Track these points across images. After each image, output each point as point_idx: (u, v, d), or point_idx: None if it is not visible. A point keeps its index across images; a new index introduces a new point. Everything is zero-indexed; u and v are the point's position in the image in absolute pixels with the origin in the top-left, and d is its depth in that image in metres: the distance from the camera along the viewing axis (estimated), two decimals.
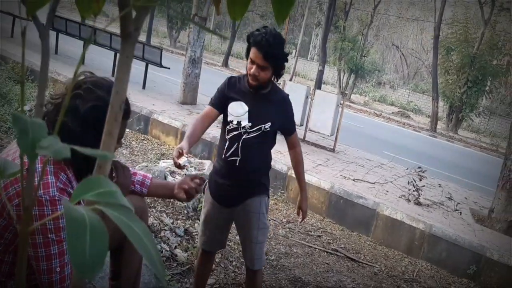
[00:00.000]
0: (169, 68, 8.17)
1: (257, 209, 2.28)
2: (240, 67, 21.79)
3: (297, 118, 7.03)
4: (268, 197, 2.38)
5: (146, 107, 6.48)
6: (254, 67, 2.12)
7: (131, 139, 5.81)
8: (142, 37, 19.33)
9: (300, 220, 2.57)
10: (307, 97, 7.04)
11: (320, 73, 16.83)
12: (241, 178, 2.25)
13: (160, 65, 7.98)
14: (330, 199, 4.90)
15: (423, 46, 32.86)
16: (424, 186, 5.17)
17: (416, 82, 30.04)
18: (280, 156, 5.59)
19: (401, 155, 9.06)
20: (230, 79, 2.33)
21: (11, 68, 6.91)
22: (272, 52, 2.08)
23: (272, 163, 5.19)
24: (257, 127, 2.20)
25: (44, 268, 1.38)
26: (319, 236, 4.32)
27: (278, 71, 2.20)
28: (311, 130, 6.99)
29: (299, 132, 7.05)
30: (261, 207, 2.29)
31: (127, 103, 1.58)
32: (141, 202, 1.93)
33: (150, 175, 1.95)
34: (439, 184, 6.21)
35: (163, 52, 8.22)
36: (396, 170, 6.54)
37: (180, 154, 2.00)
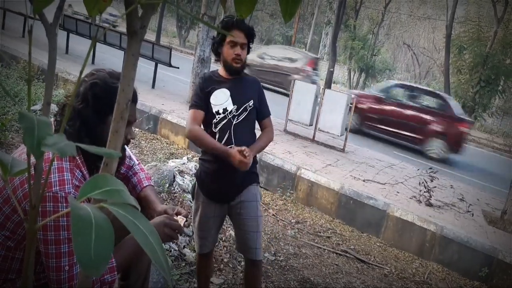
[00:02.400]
0: (178, 68, 8.19)
1: (253, 197, 2.33)
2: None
3: (306, 118, 7.02)
4: (259, 184, 2.45)
5: (155, 106, 6.49)
6: (237, 48, 2.24)
7: (141, 138, 5.82)
8: (152, 37, 19.41)
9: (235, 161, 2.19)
10: (316, 97, 7.00)
11: (330, 73, 16.76)
12: (236, 169, 2.22)
13: (170, 65, 7.99)
14: (340, 199, 4.86)
15: (435, 45, 32.52)
16: (435, 187, 5.10)
17: (428, 82, 29.73)
18: (289, 156, 5.57)
19: (412, 156, 8.97)
20: (204, 75, 2.41)
21: (22, 67, 6.96)
22: (251, 28, 2.27)
23: (281, 163, 5.25)
24: (243, 107, 2.29)
25: (53, 266, 1.38)
26: (329, 237, 4.28)
27: (249, 51, 2.34)
28: (320, 130, 6.95)
29: (309, 132, 7.08)
30: (257, 196, 2.36)
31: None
32: None
33: (151, 182, 1.93)
34: (451, 185, 6.13)
35: (172, 52, 8.24)
36: (407, 171, 6.47)
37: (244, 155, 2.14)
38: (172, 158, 4.92)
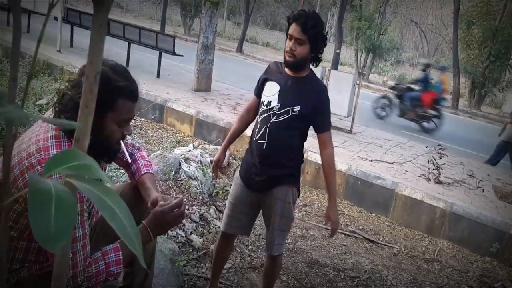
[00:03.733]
0: (182, 56, 8.16)
1: (282, 196, 2.24)
2: (255, 52, 21.62)
3: None
4: (298, 190, 2.31)
5: (160, 95, 6.50)
6: (291, 42, 2.14)
7: (147, 128, 5.84)
8: (156, 27, 19.33)
9: (330, 234, 2.40)
10: (322, 78, 6.92)
11: (337, 55, 16.57)
12: (267, 163, 2.22)
13: (174, 53, 7.97)
14: (348, 180, 4.84)
15: (443, 21, 31.89)
16: (444, 164, 5.05)
17: (437, 59, 29.22)
18: None
19: (420, 134, 8.88)
20: (271, 63, 2.36)
21: (28, 63, 7.00)
22: (310, 24, 2.09)
23: None
24: (286, 109, 2.16)
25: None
26: None
27: (316, 50, 2.17)
28: None
29: None
30: (288, 196, 2.25)
31: (134, 85, 1.56)
32: None
33: (152, 169, 1.93)
34: (460, 162, 6.06)
35: (177, 41, 8.21)
36: (416, 149, 6.41)
37: (217, 167, 2.30)
38: (178, 146, 4.94)
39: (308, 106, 2.16)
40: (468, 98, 17.29)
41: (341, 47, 17.63)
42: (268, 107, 2.20)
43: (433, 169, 4.94)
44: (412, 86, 9.85)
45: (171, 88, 7.29)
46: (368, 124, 7.94)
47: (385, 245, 3.89)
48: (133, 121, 5.81)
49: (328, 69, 7.26)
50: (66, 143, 1.46)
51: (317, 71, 7.05)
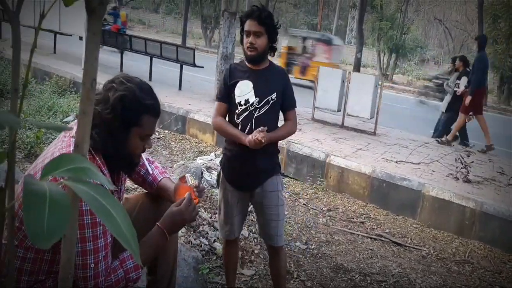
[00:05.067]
0: (202, 67, 8.27)
1: (275, 187, 2.37)
2: (275, 58, 21.65)
3: (334, 104, 6.91)
4: (281, 174, 2.48)
5: (182, 107, 6.60)
6: (250, 37, 2.25)
7: (170, 139, 5.94)
8: (178, 40, 19.70)
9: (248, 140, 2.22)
10: (343, 82, 6.87)
11: (358, 59, 16.41)
12: (256, 157, 2.29)
13: (194, 65, 8.09)
14: (372, 183, 4.76)
15: (468, 17, 31.10)
16: (472, 162, 4.91)
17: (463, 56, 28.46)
18: (317, 144, 5.52)
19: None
20: (231, 66, 2.43)
21: (55, 82, 7.26)
22: (264, 16, 2.24)
23: (309, 151, 5.21)
24: (265, 100, 2.29)
25: (79, 263, 1.44)
26: (362, 222, 4.21)
27: (272, 40, 2.31)
28: (349, 115, 6.83)
29: (337, 118, 6.97)
30: (278, 185, 2.39)
31: (157, 103, 1.63)
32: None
33: (167, 174, 1.99)
34: (490, 159, 5.87)
35: (198, 53, 8.36)
36: (443, 149, 6.25)
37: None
38: (200, 156, 4.99)
39: (279, 91, 2.33)
40: (497, 93, 16.76)
41: (362, 49, 17.45)
42: (247, 104, 2.29)
43: (461, 168, 4.80)
44: None
45: (192, 100, 7.40)
46: (393, 125, 7.80)
47: (413, 248, 3.80)
48: (156, 133, 5.90)
49: (349, 72, 7.20)
50: (87, 157, 1.50)
51: (337, 75, 6.99)
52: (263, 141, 2.17)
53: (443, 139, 6.67)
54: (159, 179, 1.93)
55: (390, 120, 8.33)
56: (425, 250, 3.77)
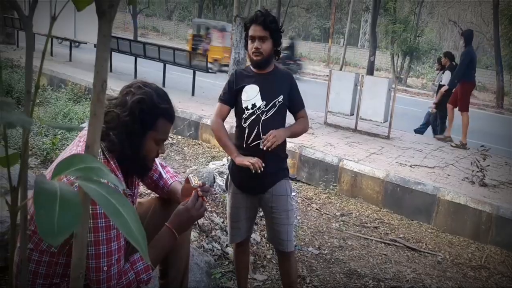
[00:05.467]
0: (215, 73, 8.33)
1: (284, 191, 2.37)
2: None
3: (346, 108, 6.88)
4: (290, 178, 2.50)
5: (195, 113, 6.64)
6: (255, 42, 2.27)
7: (183, 145, 5.98)
8: None
9: (263, 142, 2.24)
10: (356, 85, 6.83)
11: (371, 62, 16.31)
12: (266, 161, 2.28)
13: (207, 71, 8.16)
14: (386, 188, 4.72)
15: (483, 18, 30.67)
16: (488, 165, 4.82)
17: (479, 58, 28.07)
18: (330, 148, 5.49)
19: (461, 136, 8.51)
20: (236, 71, 2.45)
21: (71, 89, 7.39)
22: (269, 21, 2.26)
23: (322, 155, 5.18)
24: (272, 103, 2.31)
25: (92, 266, 1.46)
26: (376, 227, 4.17)
27: (277, 44, 2.33)
28: (362, 119, 6.78)
29: (350, 122, 6.93)
30: (287, 190, 2.39)
31: (173, 108, 1.67)
32: None
33: (177, 178, 2.00)
34: (506, 162, 5.76)
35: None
36: (458, 152, 6.16)
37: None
38: (213, 161, 5.01)
39: (286, 93, 2.34)
40: None
41: (376, 52, 17.34)
42: (254, 108, 2.30)
43: (477, 171, 4.73)
44: None
45: (205, 105, 7.44)
46: (407, 129, 7.72)
47: (428, 253, 3.74)
48: (169, 139, 5.94)
49: (362, 75, 7.16)
50: (102, 160, 1.53)
51: (350, 78, 6.95)
52: (276, 142, 2.19)
53: (441, 136, 6.87)
54: (169, 183, 1.95)
55: (404, 124, 8.25)
56: (441, 256, 3.71)
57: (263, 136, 2.26)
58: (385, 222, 4.31)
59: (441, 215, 4.33)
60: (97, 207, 1.41)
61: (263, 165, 2.21)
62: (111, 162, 1.55)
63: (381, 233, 4.04)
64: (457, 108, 6.71)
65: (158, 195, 2.04)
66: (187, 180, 1.83)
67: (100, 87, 0.64)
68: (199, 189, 1.77)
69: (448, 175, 4.97)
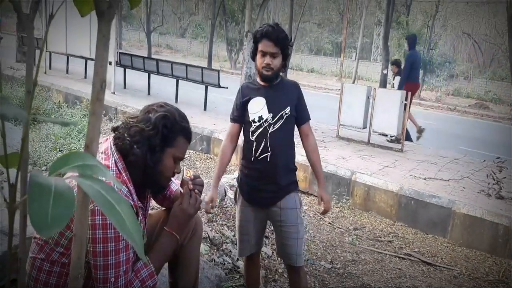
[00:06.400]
0: (227, 88, 8.38)
1: (293, 205, 2.34)
2: (300, 78, 21.72)
3: (359, 121, 6.84)
4: (298, 192, 2.46)
5: (207, 127, 6.69)
6: (266, 57, 2.26)
7: (195, 159, 6.01)
8: (204, 63, 20.11)
9: (322, 211, 2.49)
10: (368, 98, 6.80)
11: (384, 75, 16.25)
12: (274, 174, 2.28)
13: (219, 86, 8.22)
14: (400, 201, 4.64)
15: (497, 30, 30.43)
16: (505, 178, 4.72)
17: (494, 70, 27.76)
18: (342, 162, 5.45)
19: (479, 149, 8.39)
20: (242, 85, 2.46)
21: (85, 106, 7.52)
22: (281, 37, 2.26)
23: (334, 169, 5.15)
24: (279, 115, 2.29)
25: (100, 277, 1.47)
26: (390, 241, 4.10)
27: (286, 58, 2.34)
28: (375, 132, 6.73)
29: (363, 135, 6.88)
30: (297, 203, 2.36)
31: (189, 126, 1.73)
32: None
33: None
34: None
35: (223, 74, 8.50)
36: (474, 165, 6.05)
37: (212, 207, 2.39)
38: (224, 175, 5.01)
39: (293, 104, 2.33)
40: None
41: (388, 66, 17.28)
42: (261, 121, 2.29)
43: (493, 184, 4.63)
44: None
45: (217, 120, 7.49)
46: (422, 141, 7.63)
47: (444, 267, 3.65)
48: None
49: (374, 88, 7.14)
50: (114, 174, 1.55)
51: (362, 91, 6.92)
52: (330, 207, 2.43)
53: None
54: (175, 190, 1.98)
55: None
56: (457, 270, 3.62)
57: (270, 149, 2.26)
58: (399, 236, 4.24)
59: (457, 228, 4.23)
60: (107, 217, 1.42)
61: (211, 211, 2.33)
62: (123, 174, 1.57)
63: (395, 247, 3.97)
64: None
65: (166, 207, 2.05)
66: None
67: (99, 86, 0.65)
68: (190, 182, 1.78)
69: (464, 187, 4.88)
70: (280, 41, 2.25)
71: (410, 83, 7.14)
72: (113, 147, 1.61)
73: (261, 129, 2.30)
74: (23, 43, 12.53)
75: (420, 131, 7.35)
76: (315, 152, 2.43)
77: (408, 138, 7.34)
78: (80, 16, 0.73)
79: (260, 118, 2.30)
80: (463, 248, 4.07)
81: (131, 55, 10.21)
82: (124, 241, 1.49)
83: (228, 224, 3.53)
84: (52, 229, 0.45)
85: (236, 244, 3.29)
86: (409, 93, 6.50)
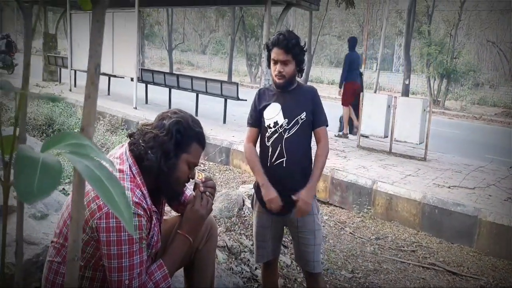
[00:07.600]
0: (246, 100, 8.41)
1: (310, 211, 2.28)
2: (320, 90, 21.64)
3: (380, 130, 6.75)
4: (315, 198, 2.40)
5: (226, 139, 6.72)
6: (278, 65, 2.25)
7: (214, 171, 6.03)
8: (224, 78, 20.34)
9: (295, 211, 2.25)
10: (389, 107, 6.72)
11: (406, 85, 16.07)
12: (290, 180, 2.25)
13: (238, 99, 8.28)
14: (423, 210, 4.53)
15: None
16: None
17: None
18: (363, 171, 5.37)
19: (506, 157, 8.14)
20: (259, 90, 2.45)
21: (108, 121, 7.69)
22: (291, 44, 2.23)
23: (355, 178, 5.07)
24: (294, 121, 2.27)
25: (114, 279, 1.47)
26: (413, 250, 3.99)
27: (300, 64, 2.30)
28: (397, 141, 6.61)
29: (385, 144, 6.78)
30: (314, 209, 2.31)
31: (203, 132, 1.74)
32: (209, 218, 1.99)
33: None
34: None
35: (243, 88, 8.57)
36: (500, 172, 5.86)
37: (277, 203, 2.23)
38: (243, 186, 5.01)
39: (309, 109, 2.30)
40: None
41: (411, 76, 17.08)
42: (276, 126, 2.27)
43: None
44: None
45: (236, 132, 7.52)
46: (445, 150, 7.45)
47: (471, 277, 3.52)
48: (201, 165, 5.99)
49: (395, 96, 7.04)
50: (129, 178, 1.57)
51: (383, 100, 6.84)
52: (307, 208, 2.21)
53: (340, 133, 7.75)
54: (189, 195, 1.98)
55: (442, 145, 7.99)
56: (484, 280, 3.48)
57: (285, 154, 2.24)
58: (423, 245, 4.12)
59: (483, 237, 4.09)
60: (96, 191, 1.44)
61: (281, 206, 2.21)
62: (137, 178, 1.59)
63: (419, 257, 3.86)
64: (347, 104, 7.60)
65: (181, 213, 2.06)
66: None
67: (93, 70, 0.66)
68: (201, 184, 1.79)
69: (490, 195, 4.73)
70: (290, 48, 2.23)
71: (348, 82, 7.62)
72: (128, 153, 1.63)
73: (276, 135, 2.29)
74: (49, 62, 12.96)
75: (344, 136, 7.72)
76: (322, 156, 2.31)
77: (351, 131, 7.84)
78: (83, 10, 0.74)
79: (276, 123, 2.29)
80: (490, 257, 3.93)
81: (152, 71, 10.41)
82: (137, 244, 1.50)
83: (246, 233, 3.51)
84: (37, 198, 0.46)
85: (254, 253, 3.28)
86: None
